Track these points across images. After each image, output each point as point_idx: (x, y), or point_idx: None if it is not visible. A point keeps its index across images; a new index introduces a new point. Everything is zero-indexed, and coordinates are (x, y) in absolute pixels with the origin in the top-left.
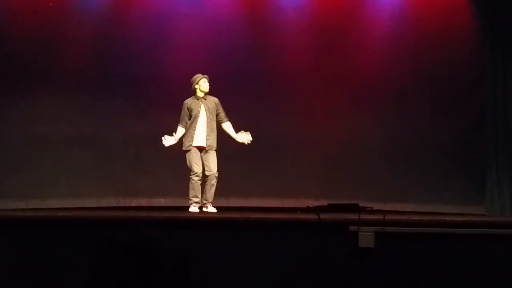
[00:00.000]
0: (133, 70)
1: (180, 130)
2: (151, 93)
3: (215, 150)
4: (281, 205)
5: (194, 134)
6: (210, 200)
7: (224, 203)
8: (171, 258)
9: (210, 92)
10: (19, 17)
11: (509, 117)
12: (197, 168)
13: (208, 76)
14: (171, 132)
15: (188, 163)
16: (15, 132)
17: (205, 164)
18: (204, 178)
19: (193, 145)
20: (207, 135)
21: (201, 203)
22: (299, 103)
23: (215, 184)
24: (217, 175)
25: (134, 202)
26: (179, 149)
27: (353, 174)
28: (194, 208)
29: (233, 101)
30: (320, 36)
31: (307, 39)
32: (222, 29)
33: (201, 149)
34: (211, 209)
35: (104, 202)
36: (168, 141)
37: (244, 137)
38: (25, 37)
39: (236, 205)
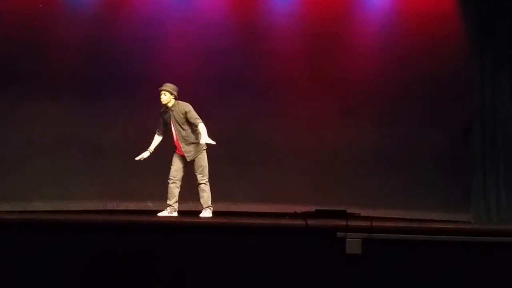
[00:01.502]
0: (123, 72)
1: (156, 139)
2: (140, 96)
3: (205, 150)
4: (268, 211)
5: (174, 141)
6: (205, 205)
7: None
8: (162, 265)
9: (201, 95)
10: (9, 18)
11: (496, 125)
12: (171, 172)
13: (199, 80)
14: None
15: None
16: (2, 134)
17: (195, 170)
18: (196, 184)
19: (176, 151)
20: (181, 145)
21: (174, 208)
22: (288, 109)
23: (204, 188)
24: (201, 180)
25: (122, 206)
26: (167, 153)
27: (341, 180)
28: (163, 212)
29: (222, 105)
30: (311, 41)
31: (298, 45)
32: (213, 34)
33: (183, 156)
34: (203, 213)
35: (92, 206)
36: (143, 155)
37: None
38: (14, 39)
39: (223, 210)
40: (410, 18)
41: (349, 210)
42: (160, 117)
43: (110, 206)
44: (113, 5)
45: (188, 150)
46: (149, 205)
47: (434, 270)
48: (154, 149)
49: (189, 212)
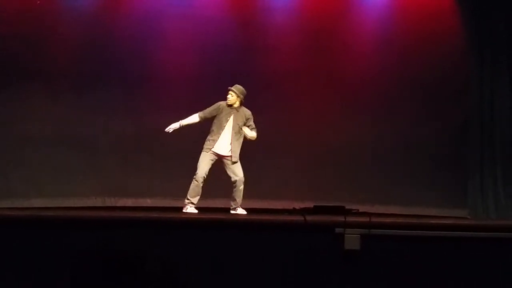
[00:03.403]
0: (121, 69)
1: (193, 118)
2: (139, 92)
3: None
4: (267, 207)
5: (217, 140)
6: (239, 203)
7: (210, 203)
8: (160, 261)
9: (199, 92)
10: (5, 15)
11: (494, 122)
12: (202, 170)
13: (197, 76)
14: (158, 130)
15: (198, 162)
16: (1, 131)
17: (230, 171)
18: (232, 184)
19: (213, 150)
20: (231, 146)
21: (194, 205)
22: (287, 105)
23: (242, 188)
24: (243, 179)
25: (120, 202)
26: (165, 151)
27: (340, 176)
28: (189, 209)
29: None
30: (309, 38)
31: (296, 41)
32: (211, 30)
33: (221, 157)
34: (240, 210)
35: (90, 202)
36: (171, 126)
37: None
38: (11, 36)
39: (222, 206)
40: (409, 15)
41: (347, 206)
42: (214, 107)
43: (109, 202)
44: (111, 2)
45: (235, 151)
46: (148, 202)
47: (432, 266)
48: (185, 125)
49: (205, 209)
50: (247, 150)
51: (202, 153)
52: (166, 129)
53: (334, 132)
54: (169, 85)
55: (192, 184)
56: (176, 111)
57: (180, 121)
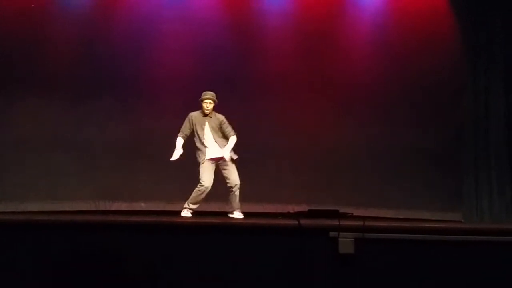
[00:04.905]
0: (116, 73)
1: (179, 141)
2: (133, 96)
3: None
4: (262, 210)
5: (205, 148)
6: (237, 207)
7: (205, 207)
8: (156, 265)
9: (194, 95)
10: (1, 18)
11: (489, 124)
12: (206, 180)
13: (192, 79)
14: (153, 134)
15: (200, 174)
16: None
17: (226, 176)
18: (228, 189)
19: (207, 158)
20: (219, 147)
21: (192, 210)
22: (282, 108)
23: (238, 194)
24: (239, 185)
25: (113, 206)
26: (161, 154)
27: (334, 180)
28: (186, 213)
29: (216, 105)
30: (305, 41)
31: (292, 44)
32: (207, 33)
33: (216, 160)
34: (237, 214)
35: (84, 206)
36: (174, 156)
37: (226, 154)
38: (5, 38)
39: (217, 210)
40: (404, 17)
41: (341, 210)
42: (188, 122)
43: (102, 206)
44: (106, 4)
45: (224, 149)
46: (141, 206)
47: (426, 269)
48: (181, 147)
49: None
50: (242, 153)
51: (201, 165)
52: (171, 159)
53: (329, 135)
54: (165, 89)
55: (195, 192)
56: (171, 114)
57: (176, 151)
